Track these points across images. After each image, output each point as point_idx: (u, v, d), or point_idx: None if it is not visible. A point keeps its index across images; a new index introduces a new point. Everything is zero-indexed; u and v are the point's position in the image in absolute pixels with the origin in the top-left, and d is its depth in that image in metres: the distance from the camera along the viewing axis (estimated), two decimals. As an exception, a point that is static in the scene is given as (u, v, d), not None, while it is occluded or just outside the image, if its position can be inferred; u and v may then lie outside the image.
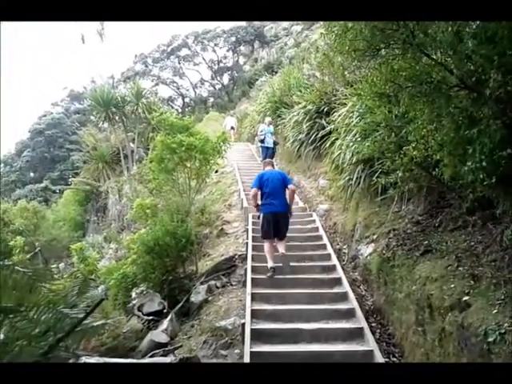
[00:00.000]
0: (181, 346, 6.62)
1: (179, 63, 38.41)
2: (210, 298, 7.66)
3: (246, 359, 5.03)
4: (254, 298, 6.32)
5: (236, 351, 5.89)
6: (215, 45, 37.50)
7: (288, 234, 8.07)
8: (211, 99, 39.65)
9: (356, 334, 5.51)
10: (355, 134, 7.59)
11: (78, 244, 12.86)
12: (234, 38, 36.59)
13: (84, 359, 3.42)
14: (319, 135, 11.19)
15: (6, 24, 5.73)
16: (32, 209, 19.50)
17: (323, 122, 11.07)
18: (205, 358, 5.94)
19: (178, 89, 39.77)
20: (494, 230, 4.86)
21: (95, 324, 3.13)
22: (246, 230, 8.88)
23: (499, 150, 3.89)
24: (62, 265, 16.14)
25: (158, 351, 6.66)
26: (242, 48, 38.53)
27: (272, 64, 30.87)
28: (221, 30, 36.76)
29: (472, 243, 5.05)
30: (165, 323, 7.29)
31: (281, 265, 7.03)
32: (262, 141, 13.87)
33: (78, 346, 2.95)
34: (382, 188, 6.91)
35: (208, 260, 9.26)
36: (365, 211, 7.83)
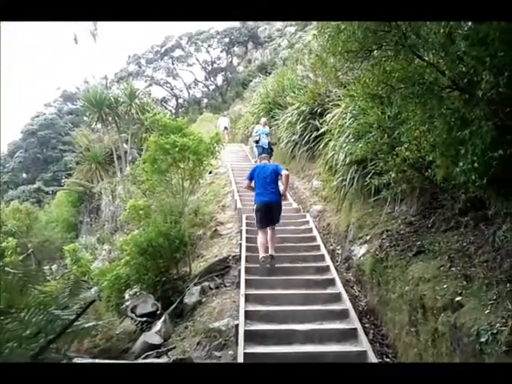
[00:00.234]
0: (174, 348, 6.60)
1: (173, 64, 38.41)
2: (203, 300, 7.64)
3: (240, 360, 5.02)
4: (248, 299, 6.31)
5: (230, 352, 5.88)
6: (209, 46, 37.56)
7: (282, 235, 8.26)
8: (205, 100, 39.68)
9: (350, 335, 5.52)
10: (348, 135, 7.62)
11: (70, 245, 12.78)
12: (227, 39, 36.64)
13: (76, 361, 3.38)
14: (313, 136, 11.24)
15: (5, 24, 5.70)
16: (24, 210, 19.36)
17: (317, 123, 11.12)
18: (198, 360, 5.93)
19: (172, 89, 39.77)
20: (487, 230, 4.89)
21: (86, 325, 3.11)
22: (240, 231, 8.88)
23: (491, 151, 3.92)
24: (54, 266, 16.03)
25: (151, 353, 6.64)
26: (235, 49, 38.60)
27: (266, 65, 30.95)
28: (214, 30, 36.81)
29: (464, 244, 5.07)
30: (158, 325, 7.27)
31: (268, 266, 7.13)
32: (257, 141, 13.89)
33: (69, 348, 2.92)
34: (375, 189, 6.94)
35: (202, 261, 9.24)
36: (358, 212, 7.85)
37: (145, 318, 7.90)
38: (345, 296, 6.26)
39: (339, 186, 8.44)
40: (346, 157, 7.72)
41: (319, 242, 8.17)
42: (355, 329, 5.54)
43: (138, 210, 9.79)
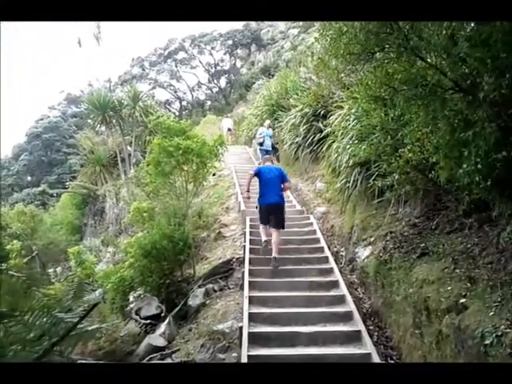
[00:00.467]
0: (178, 350, 6.61)
1: (176, 66, 38.51)
2: (207, 302, 7.64)
3: (244, 363, 5.02)
4: (252, 301, 6.31)
5: (233, 355, 5.87)
6: (212, 48, 37.61)
7: (285, 237, 8.25)
8: (208, 102, 39.75)
9: (353, 337, 5.50)
10: (352, 137, 7.61)
11: (75, 248, 12.83)
12: (230, 42, 36.69)
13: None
14: (316, 138, 11.22)
15: (5, 24, 5.73)
16: (29, 212, 19.42)
17: (320, 124, 11.11)
18: (202, 362, 5.93)
19: (175, 92, 39.86)
20: (491, 232, 4.88)
21: (90, 328, 3.12)
22: (244, 233, 8.87)
23: (494, 152, 3.91)
24: (59, 268, 16.08)
25: (155, 355, 6.65)
26: (238, 51, 38.64)
27: (269, 67, 30.95)
28: (218, 33, 36.86)
29: (468, 245, 5.06)
30: (162, 327, 7.28)
31: (271, 268, 7.23)
32: (261, 143, 13.87)
33: (72, 351, 2.93)
34: (378, 191, 6.92)
35: (205, 263, 9.24)
36: (362, 214, 7.84)
37: (149, 321, 7.92)
38: (349, 298, 6.25)
39: (343, 188, 8.43)
40: (349, 159, 7.72)
41: (323, 243, 8.16)
42: (359, 331, 5.53)
43: (142, 212, 9.81)
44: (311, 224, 9.17)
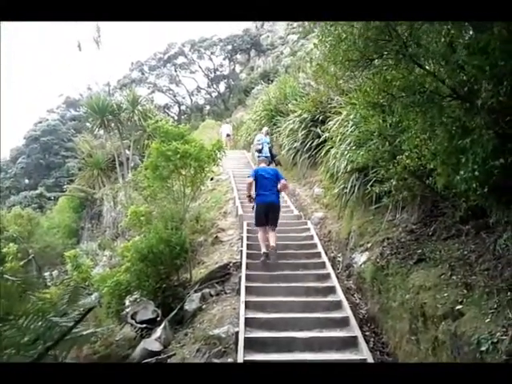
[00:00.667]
0: (174, 355, 6.58)
1: (175, 71, 38.57)
2: (203, 306, 7.63)
3: (240, 368, 5.00)
4: (248, 306, 6.29)
5: (229, 360, 5.85)
6: (211, 53, 37.69)
7: (283, 242, 8.29)
8: (207, 107, 39.78)
9: (350, 343, 5.49)
10: (350, 143, 7.63)
11: (71, 251, 12.78)
12: (230, 47, 36.79)
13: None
14: (314, 143, 11.25)
15: (5, 24, 5.74)
16: (26, 215, 19.37)
17: (318, 130, 11.13)
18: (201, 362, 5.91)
19: (175, 96, 39.90)
20: (487, 238, 4.88)
21: (85, 332, 3.10)
22: (241, 238, 8.87)
23: (492, 159, 3.93)
24: (55, 272, 16.03)
25: (150, 360, 6.62)
26: (238, 56, 38.75)
27: (268, 72, 31.03)
28: (217, 38, 36.97)
29: (465, 252, 5.06)
30: (158, 331, 7.25)
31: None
32: (260, 150, 13.85)
33: (67, 355, 2.91)
34: (376, 196, 6.94)
35: (202, 268, 9.22)
36: (359, 220, 7.84)
37: (145, 325, 7.88)
38: (345, 304, 6.24)
39: (340, 194, 8.44)
40: (347, 164, 7.73)
41: (320, 249, 8.15)
42: (355, 337, 5.51)
43: (140, 216, 9.79)
44: (308, 229, 9.17)
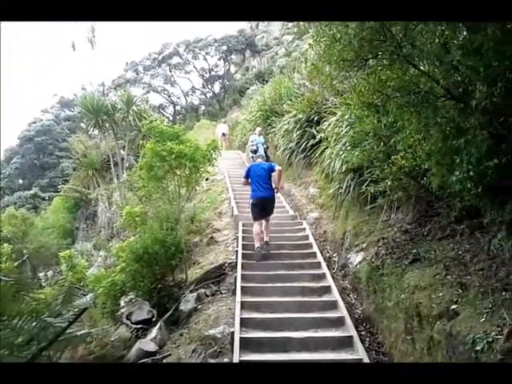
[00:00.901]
0: (169, 355, 6.56)
1: (170, 71, 38.42)
2: (199, 307, 7.61)
3: (235, 368, 4.99)
4: (244, 306, 6.29)
5: (225, 360, 5.84)
6: (206, 53, 37.57)
7: (278, 242, 8.40)
8: (202, 107, 39.66)
9: (345, 343, 5.50)
10: (345, 143, 7.64)
11: (66, 251, 12.72)
12: (225, 47, 36.70)
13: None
14: (309, 144, 11.26)
15: (5, 24, 5.72)
16: (20, 216, 19.26)
17: (313, 130, 11.14)
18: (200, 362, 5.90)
19: (169, 96, 39.76)
20: (482, 238, 4.90)
21: (79, 333, 3.09)
22: (236, 238, 8.86)
23: (486, 159, 3.95)
24: (50, 272, 15.95)
25: (146, 360, 6.60)
26: (233, 57, 38.67)
27: (263, 73, 31.00)
28: (212, 38, 36.88)
29: (460, 252, 5.08)
30: (153, 332, 7.23)
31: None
32: (255, 151, 13.85)
33: (61, 356, 2.90)
34: (371, 197, 6.95)
35: (198, 268, 9.21)
36: (354, 220, 7.86)
37: (140, 325, 7.86)
38: (341, 303, 6.24)
39: (336, 194, 8.45)
40: (342, 164, 7.75)
41: (315, 249, 8.16)
42: (351, 336, 5.52)
43: (135, 216, 9.75)
44: (304, 229, 9.18)
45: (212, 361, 5.96)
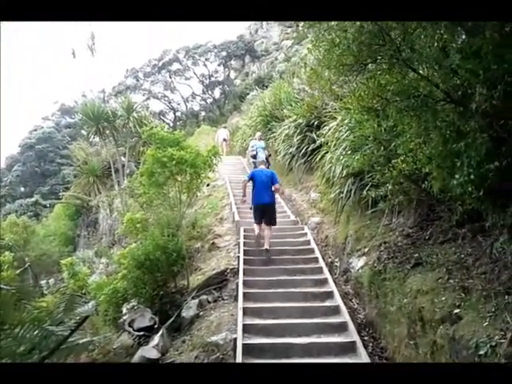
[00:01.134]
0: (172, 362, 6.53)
1: (170, 77, 38.54)
2: (201, 313, 7.59)
3: (238, 375, 4.97)
4: (246, 312, 6.28)
5: (227, 367, 5.82)
6: (206, 59, 37.69)
7: (280, 248, 8.42)
8: (202, 113, 39.72)
9: (348, 348, 5.47)
10: (345, 148, 7.64)
11: (68, 259, 12.72)
12: (224, 53, 36.82)
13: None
14: (310, 148, 11.26)
15: (5, 24, 5.74)
16: (22, 224, 19.24)
17: (313, 135, 11.15)
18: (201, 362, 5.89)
19: (170, 103, 39.85)
20: (484, 242, 4.89)
21: (81, 341, 3.07)
22: (238, 244, 8.85)
23: (486, 162, 3.94)
24: (52, 280, 15.94)
25: (148, 368, 6.56)
26: (232, 62, 38.77)
27: (263, 78, 31.05)
28: (212, 44, 37.01)
29: (462, 256, 5.06)
30: (156, 339, 7.21)
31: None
32: (255, 156, 13.85)
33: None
34: (372, 201, 6.94)
35: (199, 274, 9.19)
36: (356, 224, 7.84)
37: (142, 332, 7.83)
38: (343, 309, 6.23)
39: (337, 198, 8.44)
40: (342, 169, 7.75)
41: (317, 254, 8.15)
42: (354, 342, 5.50)
43: (136, 223, 9.75)
44: (305, 234, 9.17)
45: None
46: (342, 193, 7.99)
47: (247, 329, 5.86)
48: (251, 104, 23.84)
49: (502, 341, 3.62)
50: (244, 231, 9.09)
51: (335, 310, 6.32)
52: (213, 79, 38.92)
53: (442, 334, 4.37)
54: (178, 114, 40.37)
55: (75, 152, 22.58)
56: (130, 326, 8.04)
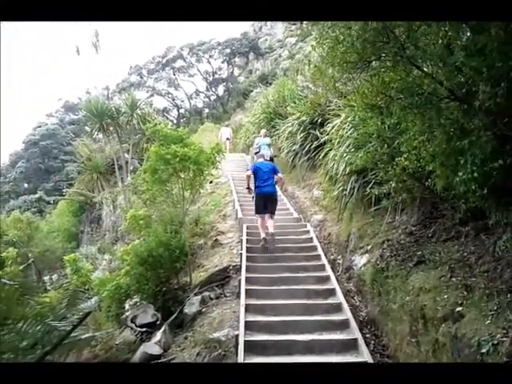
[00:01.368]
0: (174, 359, 6.56)
1: (174, 74, 38.52)
2: (203, 310, 7.61)
3: (240, 371, 4.98)
4: (248, 309, 6.28)
5: (229, 363, 5.84)
6: (210, 56, 37.65)
7: (282, 245, 8.40)
8: (206, 110, 39.72)
9: (350, 346, 5.48)
10: (348, 145, 7.63)
11: (71, 255, 12.78)
12: (228, 50, 36.78)
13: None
14: (313, 146, 11.25)
15: (5, 24, 5.75)
16: (25, 220, 19.33)
17: (317, 132, 11.14)
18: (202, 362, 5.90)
19: (173, 100, 39.84)
20: (487, 240, 4.87)
21: (84, 336, 3.09)
22: (241, 241, 8.86)
23: (490, 161, 3.92)
24: (55, 276, 16.01)
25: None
26: (236, 60, 38.70)
27: (266, 75, 31.02)
28: (216, 41, 36.96)
29: (465, 254, 5.05)
30: (158, 335, 7.24)
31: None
32: (257, 153, 13.82)
33: (65, 359, 2.90)
34: (375, 198, 6.93)
35: (202, 271, 9.21)
36: (359, 222, 7.83)
37: (145, 329, 7.87)
38: (345, 306, 6.23)
39: (340, 196, 8.43)
40: (346, 166, 7.73)
41: (320, 251, 8.15)
42: (356, 339, 5.51)
43: (139, 219, 9.77)
44: (308, 232, 9.17)
45: (216, 364, 5.95)
46: (345, 190, 7.97)
47: (249, 326, 5.86)
48: (255, 101, 23.83)
49: (504, 339, 3.61)
50: (247, 228, 9.09)
51: (337, 308, 6.33)
52: (216, 76, 38.88)
53: (444, 332, 4.37)
54: (182, 111, 40.37)
55: (79, 148, 22.61)
56: (132, 321, 8.07)
